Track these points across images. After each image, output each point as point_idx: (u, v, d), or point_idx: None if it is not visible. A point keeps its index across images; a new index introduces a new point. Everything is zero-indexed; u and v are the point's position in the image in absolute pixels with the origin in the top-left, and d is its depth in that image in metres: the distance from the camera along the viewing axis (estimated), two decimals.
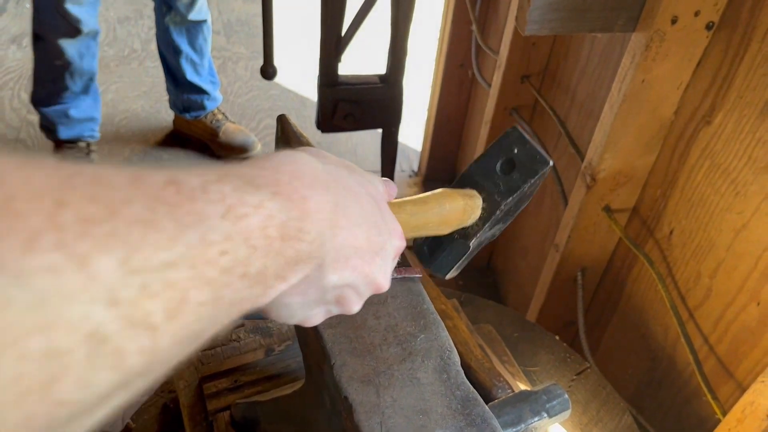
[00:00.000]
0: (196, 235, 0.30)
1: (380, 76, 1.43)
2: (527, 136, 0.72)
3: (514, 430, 0.83)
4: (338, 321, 0.66)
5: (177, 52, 2.29)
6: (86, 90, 2.17)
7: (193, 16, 2.21)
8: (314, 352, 0.68)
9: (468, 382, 0.62)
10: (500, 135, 0.74)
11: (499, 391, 0.90)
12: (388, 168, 1.63)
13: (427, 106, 2.32)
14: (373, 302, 0.67)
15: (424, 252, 0.74)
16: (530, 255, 1.83)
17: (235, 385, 0.91)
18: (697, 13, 1.03)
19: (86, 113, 2.22)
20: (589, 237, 1.35)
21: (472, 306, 1.21)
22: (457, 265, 0.74)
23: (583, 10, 1.07)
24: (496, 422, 0.59)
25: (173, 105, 2.47)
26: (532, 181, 0.73)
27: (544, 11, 1.06)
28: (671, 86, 1.12)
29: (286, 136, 0.74)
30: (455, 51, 2.09)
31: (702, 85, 1.10)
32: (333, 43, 1.35)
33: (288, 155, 0.42)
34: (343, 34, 1.35)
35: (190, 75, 2.34)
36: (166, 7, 2.21)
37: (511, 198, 0.73)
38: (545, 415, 0.85)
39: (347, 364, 0.62)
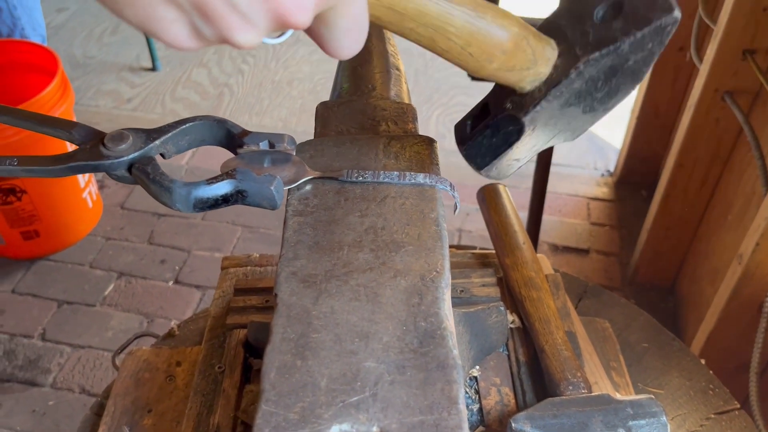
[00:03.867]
0: None
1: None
2: None
3: None
4: (313, 209, 0.50)
5: None
6: None
7: None
8: None
9: (445, 317, 0.42)
10: None
11: (571, 387, 0.66)
12: None
13: (633, 96, 2.01)
14: (368, 197, 0.51)
15: (465, 128, 0.55)
16: (720, 279, 1.46)
17: (265, 305, 0.79)
18: None
19: None
20: None
21: (596, 299, 0.96)
22: (503, 155, 0.53)
23: None
24: (458, 375, 0.39)
25: None
26: (639, 34, 0.50)
27: None
28: None
29: None
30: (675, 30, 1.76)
31: None
32: None
33: None
34: None
35: None
36: None
37: (597, 54, 0.51)
38: None
39: (298, 257, 0.47)
